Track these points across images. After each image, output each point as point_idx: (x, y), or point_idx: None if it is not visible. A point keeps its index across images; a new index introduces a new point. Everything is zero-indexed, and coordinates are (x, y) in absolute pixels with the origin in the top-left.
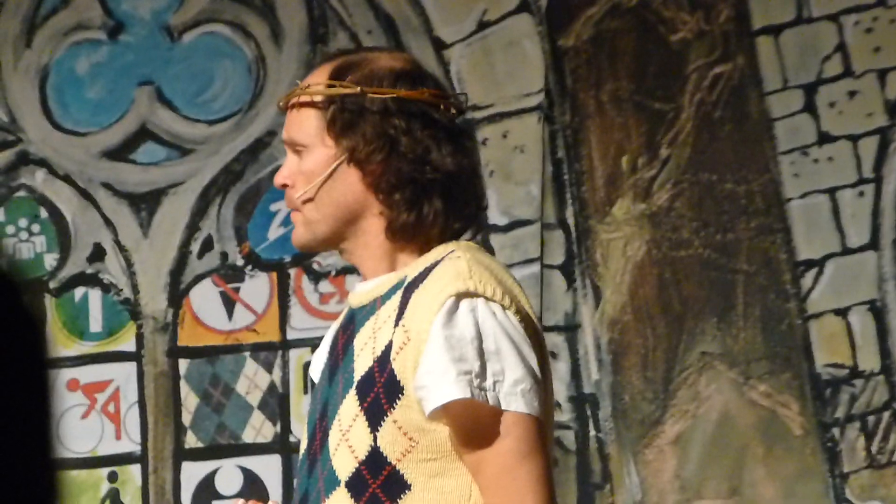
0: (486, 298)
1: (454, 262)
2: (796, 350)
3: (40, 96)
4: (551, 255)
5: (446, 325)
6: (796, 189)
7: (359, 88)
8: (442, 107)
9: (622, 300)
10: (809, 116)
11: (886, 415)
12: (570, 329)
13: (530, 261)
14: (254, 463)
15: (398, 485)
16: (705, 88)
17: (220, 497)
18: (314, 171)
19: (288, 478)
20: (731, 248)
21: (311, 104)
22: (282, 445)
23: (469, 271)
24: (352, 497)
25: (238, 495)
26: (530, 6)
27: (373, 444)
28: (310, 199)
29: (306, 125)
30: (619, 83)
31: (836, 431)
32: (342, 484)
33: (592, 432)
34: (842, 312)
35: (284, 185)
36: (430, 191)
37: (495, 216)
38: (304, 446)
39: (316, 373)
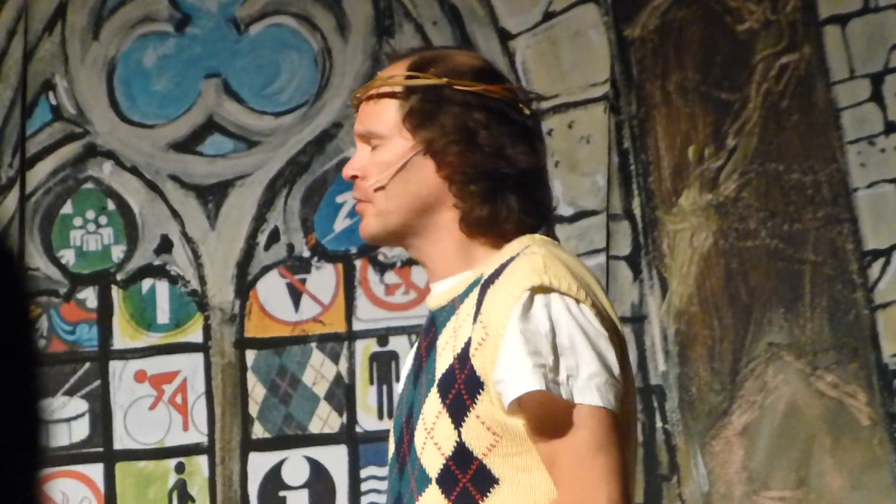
0: (561, 293)
1: (529, 258)
2: (863, 340)
3: (108, 89)
4: (617, 245)
5: (522, 320)
6: (863, 179)
7: (444, 80)
8: (518, 105)
9: (689, 291)
10: (876, 106)
11: None
12: (637, 320)
13: (596, 251)
14: (320, 453)
15: (487, 479)
16: (772, 78)
17: (288, 488)
18: (390, 162)
19: (354, 468)
20: (797, 238)
21: (390, 95)
22: (348, 436)
23: (544, 266)
24: (443, 493)
25: (305, 486)
26: None
27: (458, 439)
28: (381, 188)
29: (384, 116)
30: (685, 73)
31: None
32: (433, 481)
33: (659, 424)
34: None
35: (354, 177)
36: (505, 186)
37: (561, 207)
38: (392, 450)
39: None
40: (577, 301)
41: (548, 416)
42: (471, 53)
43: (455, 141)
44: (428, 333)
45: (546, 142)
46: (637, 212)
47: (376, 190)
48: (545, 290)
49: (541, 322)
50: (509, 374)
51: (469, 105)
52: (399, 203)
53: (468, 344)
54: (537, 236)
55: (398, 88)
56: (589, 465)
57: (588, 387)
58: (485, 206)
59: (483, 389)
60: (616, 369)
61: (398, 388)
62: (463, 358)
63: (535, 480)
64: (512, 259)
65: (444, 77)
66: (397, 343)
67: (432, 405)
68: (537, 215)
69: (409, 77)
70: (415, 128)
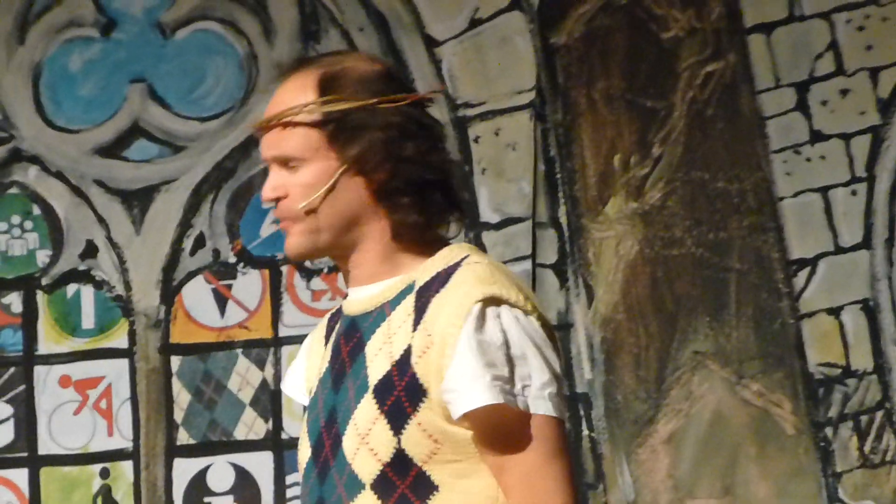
0: (510, 304)
1: (475, 268)
2: (789, 349)
3: (33, 93)
4: (544, 253)
5: (476, 331)
6: (789, 188)
7: (365, 101)
8: (425, 109)
9: (615, 299)
10: (801, 115)
11: (879, 414)
12: (563, 328)
13: (522, 258)
14: (246, 460)
15: (426, 486)
16: (697, 86)
17: (212, 493)
18: (315, 184)
19: (280, 475)
20: (723, 246)
21: (306, 121)
22: (274, 442)
23: (491, 277)
24: (379, 499)
25: (230, 492)
26: (522, 4)
27: (397, 446)
28: (313, 211)
29: (301, 141)
30: (610, 81)
31: (828, 431)
32: (367, 487)
33: (585, 432)
34: (834, 311)
35: (278, 198)
36: (434, 191)
37: (487, 213)
38: (307, 455)
39: (293, 388)
40: (525, 312)
41: (501, 427)
42: (365, 58)
43: (384, 158)
44: (350, 339)
45: (472, 149)
46: (563, 219)
47: (308, 213)
48: (496, 301)
49: (494, 334)
50: (463, 385)
51: (391, 120)
52: (330, 222)
53: (408, 352)
54: (467, 245)
55: (316, 115)
56: (543, 474)
57: (541, 396)
58: (416, 215)
59: (426, 397)
60: (562, 377)
61: (290, 389)
62: (402, 365)
63: (475, 487)
64: (452, 268)
65: (358, 96)
66: None
67: (367, 411)
68: (462, 214)
69: (325, 102)
70: (341, 149)
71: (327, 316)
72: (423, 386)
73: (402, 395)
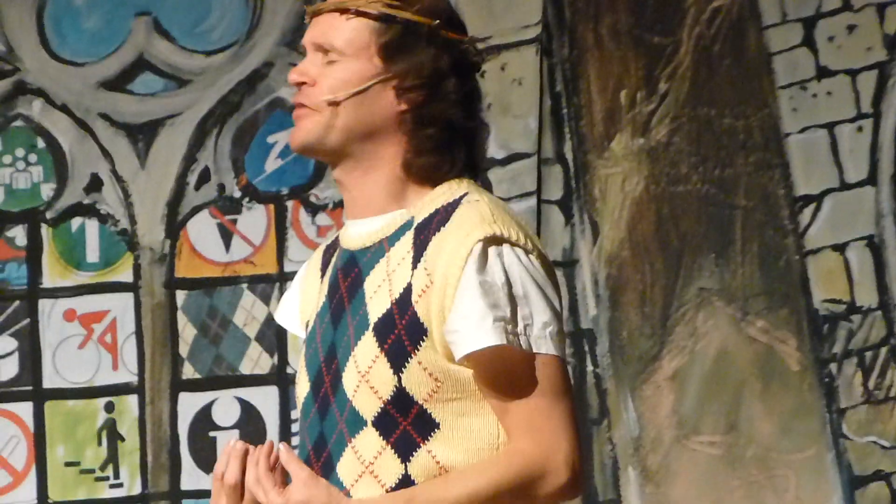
0: (511, 243)
1: (476, 206)
2: (794, 286)
3: (37, 26)
4: (549, 190)
5: (478, 272)
6: (795, 124)
7: (429, 20)
8: (474, 61)
9: (620, 236)
10: (808, 51)
11: (884, 350)
12: (568, 265)
13: (527, 194)
14: (251, 394)
15: (427, 423)
16: (704, 22)
17: (218, 428)
18: (348, 80)
19: (285, 409)
20: (729, 183)
21: (366, 16)
22: (279, 377)
23: (492, 215)
24: (381, 436)
25: (235, 427)
26: None
27: (398, 384)
28: (335, 104)
29: (353, 34)
30: (617, 16)
31: (833, 367)
32: (369, 423)
33: (590, 368)
34: (840, 248)
35: (303, 83)
36: (457, 137)
37: (493, 149)
38: (305, 390)
39: (288, 318)
40: (526, 251)
41: (505, 368)
42: None
43: (425, 83)
44: (349, 273)
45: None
46: (569, 156)
47: (329, 104)
48: (497, 240)
49: (496, 273)
50: (467, 325)
51: (444, 51)
52: (347, 123)
53: (408, 290)
54: (467, 181)
55: (377, 13)
56: (548, 414)
57: (543, 336)
58: (433, 154)
59: (427, 336)
60: (562, 317)
61: (284, 319)
62: (403, 304)
63: (475, 425)
64: (452, 204)
65: (428, 16)
66: None
67: (367, 349)
68: (475, 168)
69: (392, 6)
70: (388, 58)
71: (322, 247)
72: (423, 325)
73: (403, 333)
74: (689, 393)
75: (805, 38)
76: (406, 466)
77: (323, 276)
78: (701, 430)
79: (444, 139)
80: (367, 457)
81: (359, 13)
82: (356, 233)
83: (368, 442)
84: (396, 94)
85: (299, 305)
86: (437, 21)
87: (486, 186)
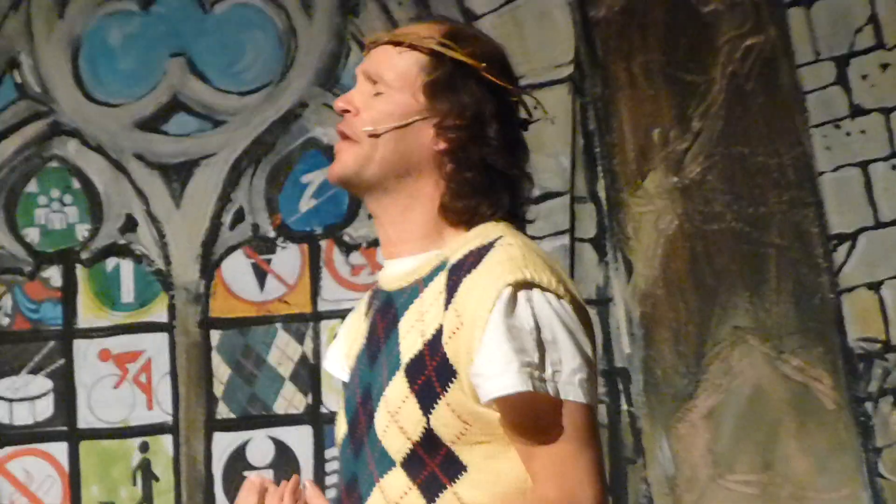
0: (542, 288)
1: (507, 250)
2: (829, 324)
3: (73, 67)
4: (583, 228)
5: (505, 316)
6: (828, 162)
7: (478, 63)
8: (523, 109)
9: (654, 274)
10: (841, 89)
11: None
12: (602, 303)
13: (560, 233)
14: (285, 434)
15: (455, 465)
16: (737, 60)
17: (252, 468)
18: (391, 113)
19: (319, 449)
20: (763, 221)
21: (419, 51)
22: (313, 416)
23: (523, 259)
24: (408, 476)
25: (269, 466)
26: None
27: (426, 425)
28: (375, 136)
29: (402, 68)
30: (650, 55)
31: (868, 406)
32: (397, 464)
33: (624, 406)
34: (874, 286)
35: (347, 111)
36: (500, 184)
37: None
38: (344, 430)
39: (334, 365)
40: (557, 296)
41: (531, 414)
42: (495, 42)
43: (467, 125)
44: (386, 314)
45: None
46: (602, 194)
47: (370, 135)
48: (527, 284)
49: (525, 318)
50: (492, 370)
51: (491, 94)
52: (385, 157)
53: (439, 332)
54: (503, 224)
55: (430, 50)
56: (573, 463)
57: (571, 382)
58: (471, 198)
59: (455, 378)
60: (594, 362)
61: (331, 366)
62: (434, 345)
63: (503, 468)
64: (485, 247)
65: (478, 59)
66: None
67: (398, 389)
68: (517, 219)
69: (444, 45)
70: (432, 96)
71: (370, 292)
72: (452, 367)
73: (433, 374)
74: (724, 431)
75: (838, 76)
76: None
77: (367, 319)
78: (736, 469)
79: (483, 183)
80: (393, 497)
81: (411, 47)
82: (392, 273)
83: (396, 482)
84: (437, 132)
85: (345, 350)
86: (485, 65)
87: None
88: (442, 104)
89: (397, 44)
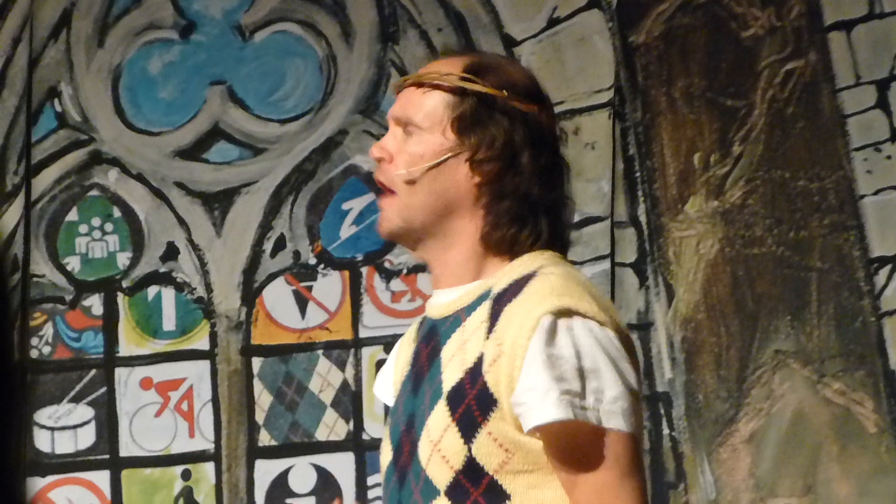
0: (583, 316)
1: (547, 279)
2: (870, 347)
3: (113, 96)
4: (623, 252)
5: (545, 344)
6: (869, 186)
7: (502, 92)
8: (555, 130)
9: (695, 298)
10: (882, 112)
11: None
12: (643, 328)
13: (601, 258)
14: (327, 461)
15: (499, 494)
16: (777, 85)
17: (294, 495)
18: (423, 155)
19: (361, 476)
20: (804, 245)
21: (442, 89)
22: (355, 443)
23: (563, 287)
24: None
25: (311, 494)
26: (601, 2)
27: (468, 454)
28: (411, 182)
29: (429, 108)
30: (690, 80)
31: None
32: (442, 493)
33: (666, 431)
34: None
35: (381, 159)
36: (536, 210)
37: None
38: (388, 459)
39: (384, 391)
40: (599, 323)
41: (573, 443)
42: (521, 67)
43: (499, 155)
44: (429, 342)
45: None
46: (643, 219)
47: (406, 182)
48: (567, 313)
49: (565, 347)
50: (532, 399)
51: (519, 122)
52: (423, 200)
53: (480, 360)
54: (548, 253)
55: (453, 86)
56: (616, 493)
57: (612, 411)
58: (512, 226)
59: (496, 407)
60: (637, 390)
61: (381, 392)
62: (474, 374)
63: (546, 498)
64: (526, 277)
65: (501, 88)
66: None
67: (440, 418)
68: (560, 243)
69: (465, 79)
70: (461, 131)
71: (419, 318)
72: (493, 395)
73: (473, 403)
74: (765, 455)
75: (879, 100)
76: None
77: (412, 345)
78: (778, 493)
79: (522, 212)
80: None
81: (434, 86)
82: (438, 303)
83: None
84: (471, 167)
85: (393, 377)
86: (508, 93)
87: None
88: (471, 138)
89: (420, 85)
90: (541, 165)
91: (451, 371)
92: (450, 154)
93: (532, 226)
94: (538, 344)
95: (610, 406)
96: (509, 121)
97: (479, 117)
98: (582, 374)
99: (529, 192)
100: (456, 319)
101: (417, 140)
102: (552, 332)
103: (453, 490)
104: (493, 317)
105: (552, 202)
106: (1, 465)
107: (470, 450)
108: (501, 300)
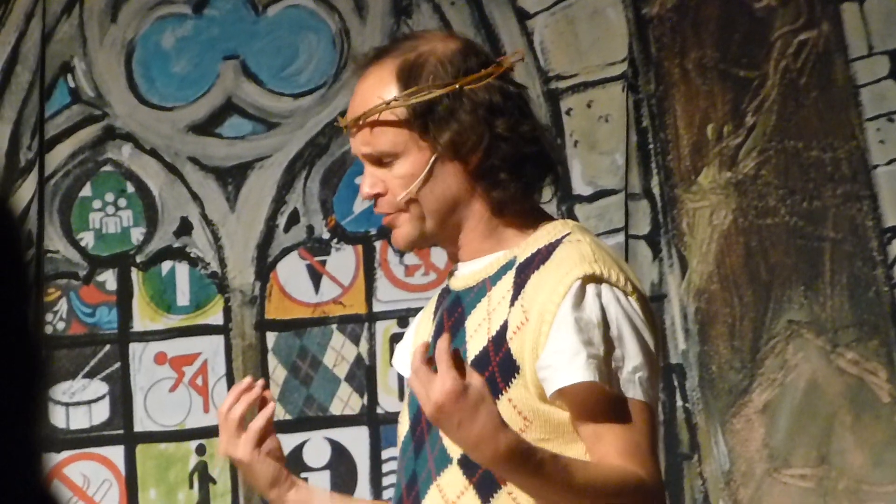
0: (611, 284)
1: (577, 246)
2: (884, 317)
3: (126, 71)
4: (637, 225)
5: (574, 308)
6: (883, 156)
7: (450, 86)
8: (508, 75)
9: (709, 269)
10: (895, 83)
11: None
12: (657, 299)
13: (615, 230)
14: (341, 435)
15: None
16: (790, 56)
17: (309, 469)
18: (413, 174)
19: (375, 450)
20: (817, 215)
21: (392, 117)
22: (369, 417)
23: (593, 255)
24: (464, 474)
25: (326, 468)
26: None
27: None
28: (414, 200)
29: (391, 138)
30: (703, 51)
31: None
32: (454, 461)
33: (680, 402)
34: None
35: (377, 195)
36: (527, 160)
37: (580, 186)
38: (405, 429)
39: (402, 363)
40: (626, 293)
41: (592, 406)
42: (441, 37)
43: (477, 139)
44: (453, 313)
45: (564, 121)
46: (656, 190)
47: (409, 203)
48: (596, 279)
49: (593, 312)
50: (560, 360)
51: (478, 100)
52: (432, 208)
53: (504, 327)
54: (571, 222)
55: (402, 110)
56: (637, 447)
57: (632, 380)
58: (516, 185)
59: (518, 374)
60: (657, 359)
61: (399, 364)
62: (498, 341)
63: None
64: (553, 244)
65: (440, 81)
66: None
67: None
68: (557, 175)
69: (411, 94)
70: (432, 138)
71: (438, 290)
72: (516, 362)
73: (496, 370)
74: (779, 426)
75: (892, 70)
76: None
77: (434, 319)
78: (792, 463)
79: (519, 171)
80: (450, 495)
81: (383, 122)
82: (461, 274)
83: (453, 480)
84: (458, 161)
85: (412, 349)
86: (455, 83)
87: (573, 219)
88: (443, 137)
89: (369, 123)
90: (514, 122)
91: (477, 341)
92: (433, 161)
93: (530, 172)
94: (567, 308)
95: (629, 375)
96: (470, 104)
97: (442, 118)
98: (607, 340)
99: (518, 152)
100: (481, 290)
101: (399, 165)
102: (581, 297)
103: (466, 458)
104: (519, 285)
105: (538, 147)
106: (27, 443)
107: None
108: (527, 268)
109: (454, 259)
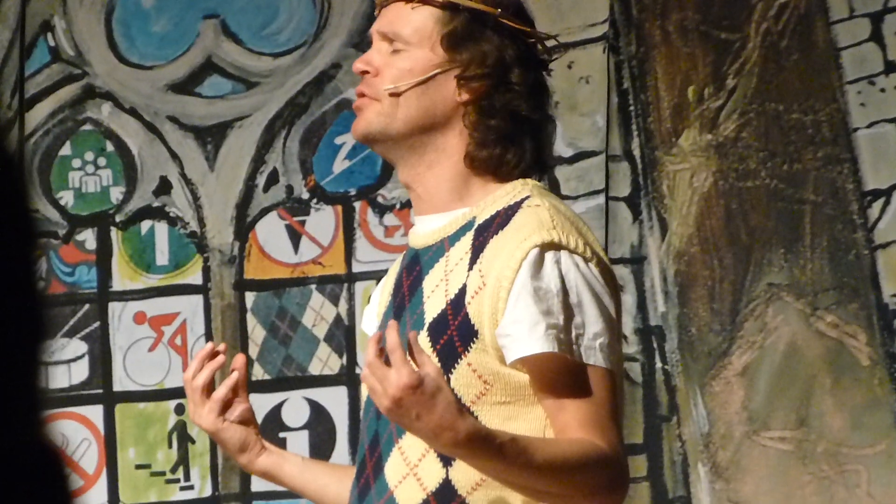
0: (570, 250)
1: (536, 211)
2: (864, 281)
3: (106, 30)
4: (617, 187)
5: (533, 277)
6: (863, 119)
7: (495, 9)
8: (542, 52)
9: (689, 232)
10: (876, 45)
11: None
12: (636, 261)
13: (595, 192)
14: (320, 395)
15: None
16: (771, 18)
17: (288, 429)
18: (412, 70)
19: (354, 410)
20: (797, 178)
21: (432, 5)
22: (348, 377)
23: (552, 221)
24: None
25: (304, 427)
26: None
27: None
28: (396, 94)
29: (418, 23)
30: (684, 13)
31: None
32: None
33: (659, 364)
34: None
35: (366, 72)
36: (523, 129)
37: (560, 147)
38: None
39: (370, 325)
40: (585, 259)
41: (556, 374)
42: None
43: (489, 73)
44: (412, 272)
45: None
46: (636, 152)
47: (391, 94)
48: (555, 246)
49: (552, 280)
50: (519, 331)
51: (510, 40)
52: (408, 114)
53: (463, 291)
54: (532, 182)
55: (444, 1)
56: (598, 417)
57: (592, 347)
58: (497, 146)
59: (477, 338)
60: (618, 325)
61: (368, 327)
62: (457, 305)
63: (521, 429)
64: (513, 207)
65: (491, 5)
66: None
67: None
68: (542, 165)
69: None
70: (451, 47)
71: (403, 253)
72: (474, 327)
73: (455, 334)
74: (758, 388)
75: (873, 32)
76: (447, 471)
77: (394, 276)
78: (771, 426)
79: (508, 131)
80: (412, 458)
81: (424, 2)
82: (421, 231)
83: (414, 443)
84: (459, 84)
85: (377, 310)
86: (500, 10)
87: (554, 184)
88: (462, 55)
89: (409, 0)
90: (529, 84)
91: (434, 302)
92: (438, 70)
93: (518, 146)
94: (525, 276)
95: (590, 342)
96: (500, 38)
97: (471, 34)
98: (567, 308)
99: (518, 111)
100: (439, 249)
101: (406, 56)
102: (539, 265)
103: None
104: (478, 248)
105: (538, 122)
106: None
107: (448, 381)
108: (486, 231)
109: (417, 208)
